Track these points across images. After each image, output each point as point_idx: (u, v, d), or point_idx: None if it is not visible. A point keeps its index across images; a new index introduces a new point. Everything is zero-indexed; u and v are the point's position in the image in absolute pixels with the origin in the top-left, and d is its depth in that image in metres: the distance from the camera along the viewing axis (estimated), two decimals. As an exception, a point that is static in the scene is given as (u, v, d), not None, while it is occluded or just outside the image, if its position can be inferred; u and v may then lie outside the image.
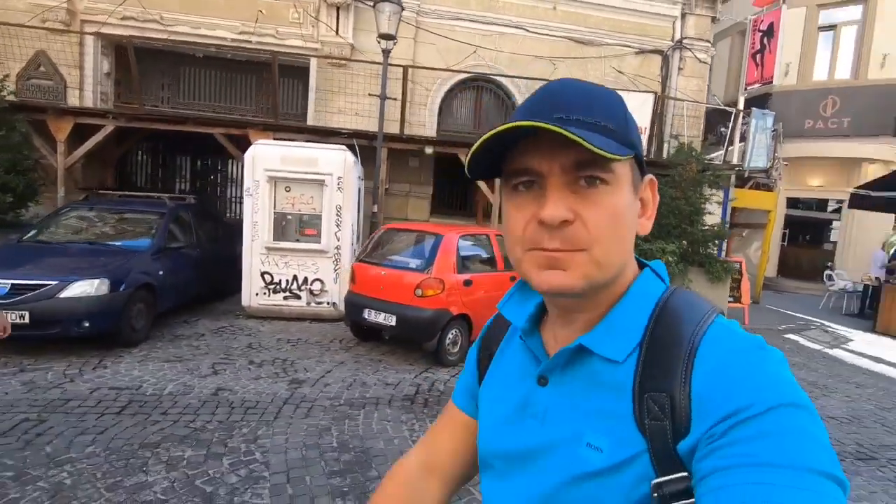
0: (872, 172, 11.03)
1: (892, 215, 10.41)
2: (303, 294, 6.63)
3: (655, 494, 0.51)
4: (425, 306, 4.97)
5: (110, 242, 5.69)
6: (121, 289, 4.89)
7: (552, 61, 9.78)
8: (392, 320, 5.07)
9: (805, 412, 0.46)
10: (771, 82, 9.40)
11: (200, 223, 6.96)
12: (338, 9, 9.01)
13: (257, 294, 6.55)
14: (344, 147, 6.80)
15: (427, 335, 5.01)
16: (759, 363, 0.50)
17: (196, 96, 9.90)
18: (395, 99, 8.17)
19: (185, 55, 9.48)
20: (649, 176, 0.62)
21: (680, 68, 10.31)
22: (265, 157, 6.44)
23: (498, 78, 9.78)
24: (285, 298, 6.62)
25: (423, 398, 4.35)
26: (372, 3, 7.52)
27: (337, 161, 6.53)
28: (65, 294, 4.56)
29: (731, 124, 9.99)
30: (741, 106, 10.11)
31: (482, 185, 8.37)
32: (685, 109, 9.84)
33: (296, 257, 6.58)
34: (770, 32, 9.33)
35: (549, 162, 0.54)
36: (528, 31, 9.87)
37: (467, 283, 5.26)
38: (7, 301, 4.39)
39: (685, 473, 0.50)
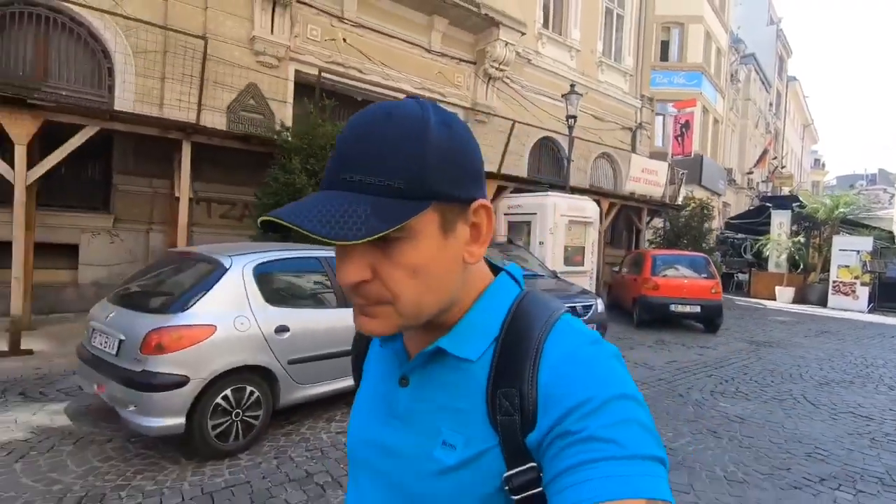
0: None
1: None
2: (573, 304, 9.12)
3: (507, 487, 0.53)
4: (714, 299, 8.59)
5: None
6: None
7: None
8: (697, 308, 8.52)
9: (633, 402, 0.51)
10: (690, 155, 16.03)
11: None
12: (489, 79, 11.21)
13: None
14: (587, 198, 9.60)
15: (719, 314, 8.63)
16: (594, 359, 0.54)
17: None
18: (571, 161, 11.09)
19: (365, 102, 9.96)
20: (479, 201, 0.56)
21: (640, 141, 15.97)
22: (559, 205, 8.78)
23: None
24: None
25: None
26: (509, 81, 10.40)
27: (594, 208, 9.35)
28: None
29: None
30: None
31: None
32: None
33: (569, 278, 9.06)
34: (687, 125, 15.81)
35: None
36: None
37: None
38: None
39: (533, 464, 0.52)
